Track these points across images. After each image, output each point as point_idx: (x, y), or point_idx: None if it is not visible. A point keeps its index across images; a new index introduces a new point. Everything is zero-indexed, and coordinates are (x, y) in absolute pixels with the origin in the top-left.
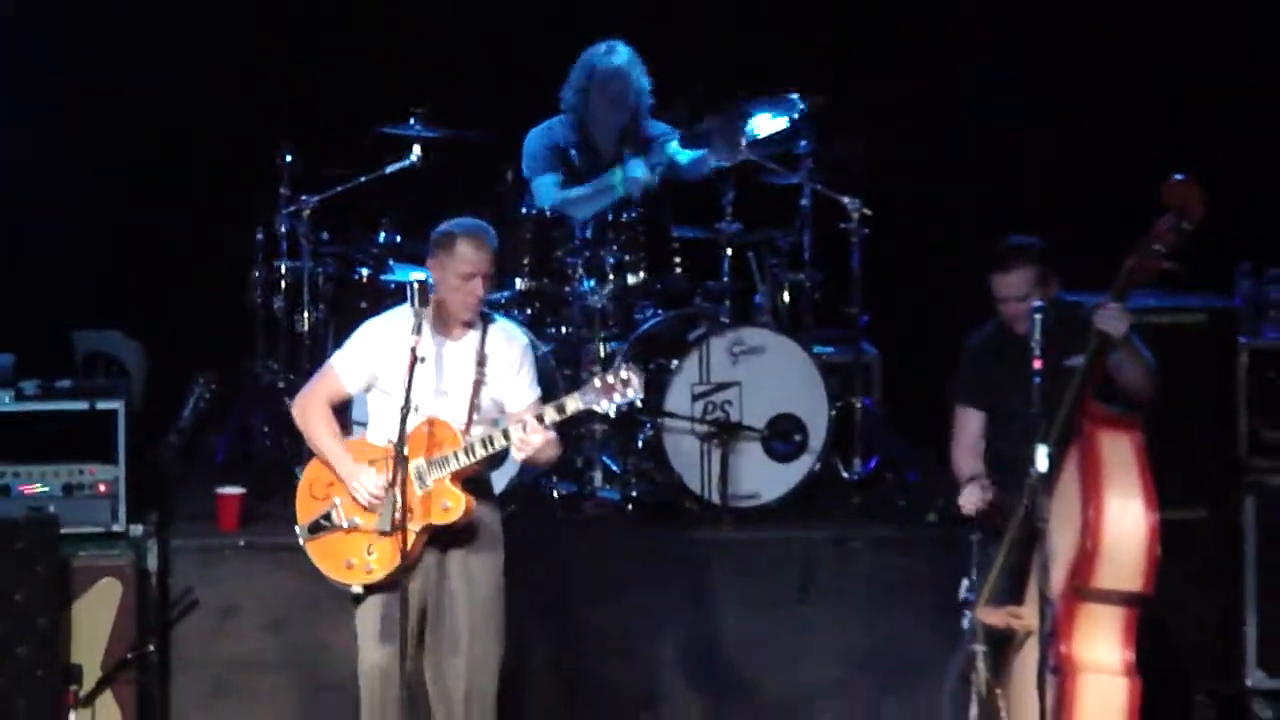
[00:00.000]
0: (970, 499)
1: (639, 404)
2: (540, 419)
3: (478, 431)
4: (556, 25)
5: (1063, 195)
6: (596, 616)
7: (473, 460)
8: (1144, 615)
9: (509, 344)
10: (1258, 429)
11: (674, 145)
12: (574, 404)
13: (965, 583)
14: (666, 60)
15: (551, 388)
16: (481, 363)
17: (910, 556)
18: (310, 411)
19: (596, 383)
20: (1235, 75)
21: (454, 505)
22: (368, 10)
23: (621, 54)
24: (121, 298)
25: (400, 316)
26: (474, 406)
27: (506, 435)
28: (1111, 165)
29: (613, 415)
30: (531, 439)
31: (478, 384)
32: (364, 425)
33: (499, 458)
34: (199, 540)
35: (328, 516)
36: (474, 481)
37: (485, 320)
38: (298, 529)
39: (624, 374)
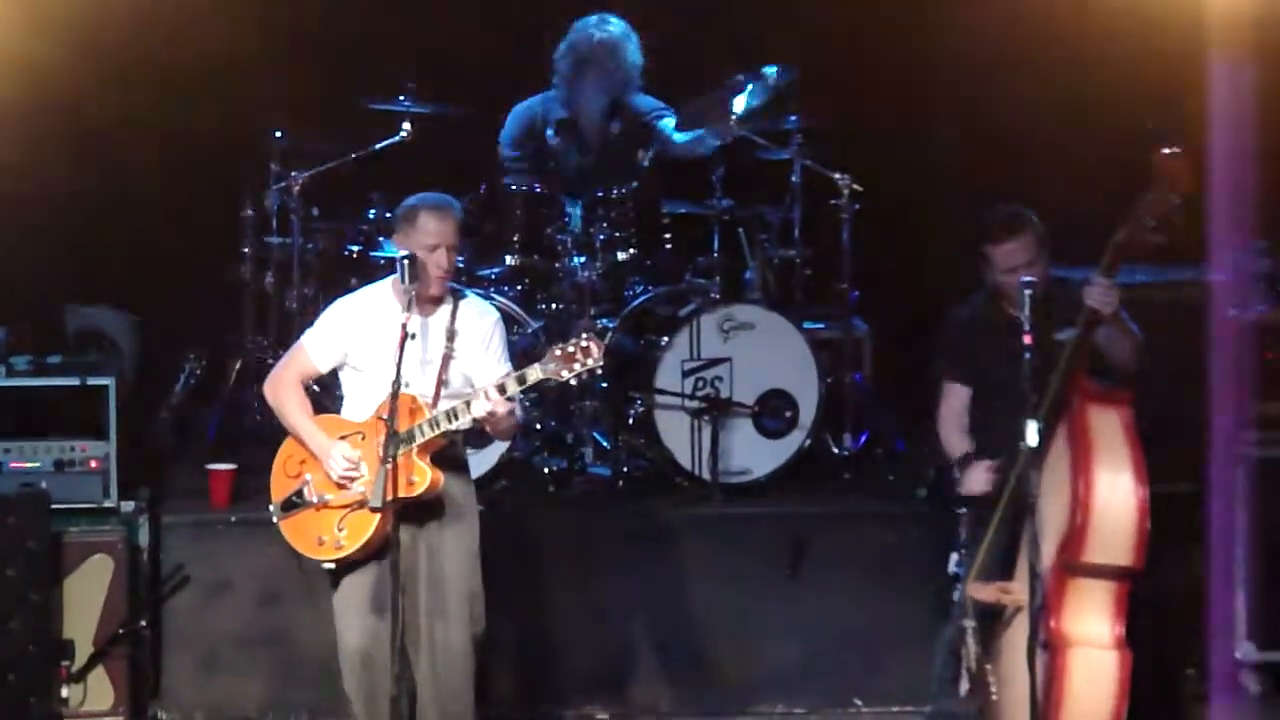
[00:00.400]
0: (978, 481)
1: (599, 372)
2: (502, 389)
3: (444, 405)
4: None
5: (1053, 171)
6: (587, 592)
7: (436, 433)
8: (1134, 589)
9: (480, 318)
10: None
11: (667, 122)
12: (534, 374)
13: (954, 557)
14: (655, 36)
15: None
16: (451, 338)
17: (900, 531)
18: (282, 391)
19: (557, 351)
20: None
21: (420, 479)
22: None
23: (614, 26)
24: (113, 274)
25: (369, 294)
26: (442, 381)
27: (470, 407)
28: (1101, 139)
29: (573, 383)
30: (496, 409)
31: (447, 359)
32: None
33: (483, 434)
34: (190, 516)
35: (299, 494)
36: (444, 456)
37: (456, 295)
38: (271, 507)
39: (584, 342)
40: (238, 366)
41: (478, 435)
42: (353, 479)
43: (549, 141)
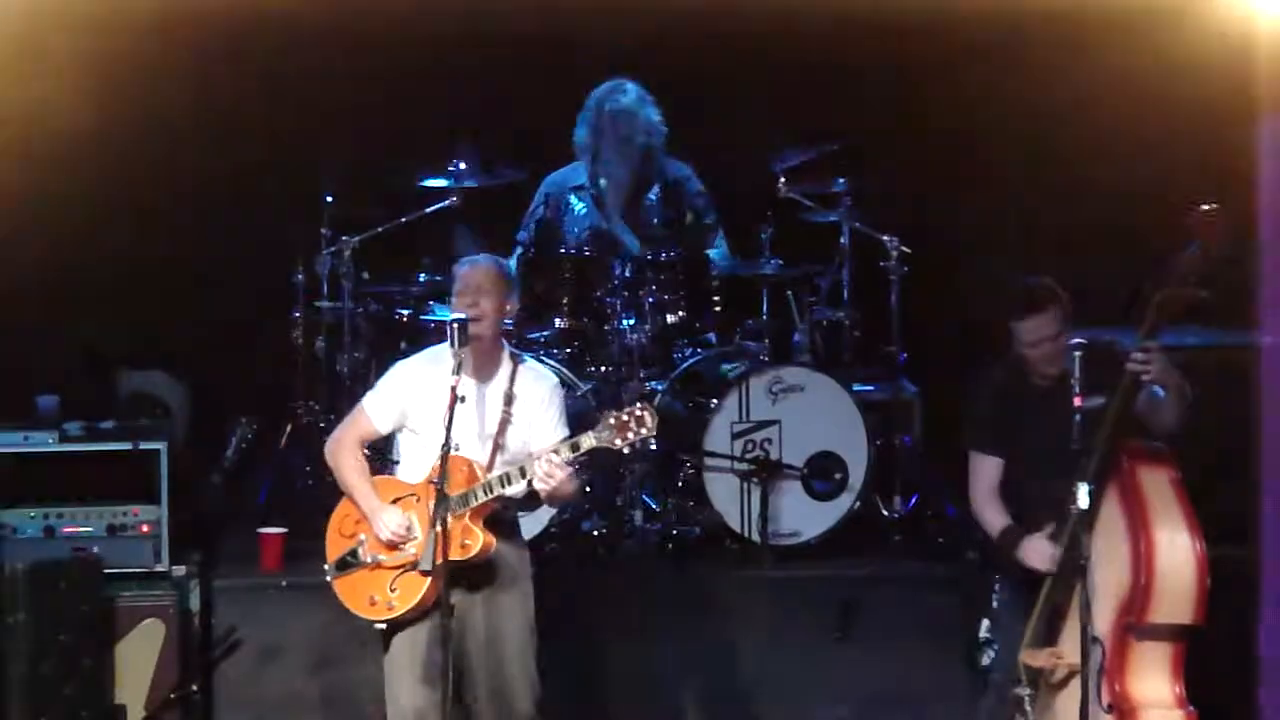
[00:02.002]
0: (1041, 554)
1: (653, 443)
2: (555, 456)
3: (499, 470)
4: (591, 71)
5: (1100, 229)
6: (637, 655)
7: (490, 496)
8: (1192, 648)
9: (537, 383)
10: None
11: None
12: (588, 441)
13: (985, 623)
14: (690, 107)
15: (591, 427)
16: (509, 402)
17: (950, 594)
18: (341, 452)
19: (611, 420)
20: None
21: (473, 542)
22: (406, 55)
23: (630, 92)
24: (165, 338)
25: (430, 357)
26: (498, 446)
27: (524, 472)
28: (1143, 198)
29: (626, 453)
30: (552, 474)
31: (504, 423)
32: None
33: (533, 498)
34: (241, 580)
35: (354, 554)
36: (497, 520)
37: (515, 360)
38: (326, 567)
39: (639, 412)
40: (289, 430)
41: (529, 499)
42: (402, 541)
43: (569, 208)
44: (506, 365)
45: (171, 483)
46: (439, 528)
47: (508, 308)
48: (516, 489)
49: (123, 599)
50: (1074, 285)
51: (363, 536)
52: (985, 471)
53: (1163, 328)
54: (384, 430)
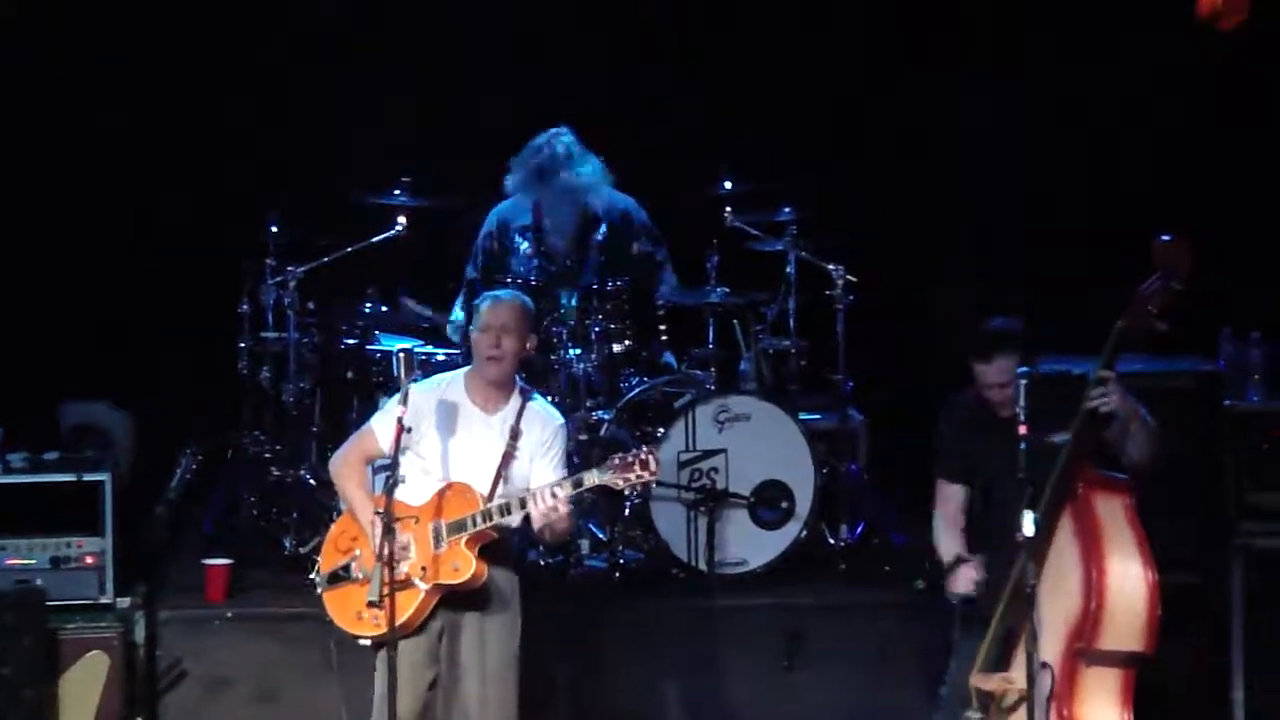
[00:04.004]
0: (965, 581)
1: (653, 487)
2: (555, 492)
3: (499, 501)
4: (535, 97)
5: (1048, 262)
6: (583, 686)
7: (487, 524)
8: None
9: (543, 423)
10: (1244, 492)
11: (667, 285)
12: (591, 479)
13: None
14: (641, 140)
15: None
16: (514, 436)
17: (896, 622)
18: (344, 467)
19: (615, 460)
20: (1224, 141)
21: (463, 567)
22: (349, 82)
23: (560, 147)
24: (108, 369)
25: (440, 383)
26: (500, 477)
27: (523, 504)
28: (1097, 230)
29: (628, 494)
30: (553, 508)
31: (507, 456)
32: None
33: (530, 532)
34: (187, 611)
35: (346, 568)
36: (493, 550)
37: (525, 396)
38: (317, 578)
39: (644, 455)
40: (234, 461)
41: (527, 533)
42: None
43: (511, 246)
44: (515, 400)
45: (116, 514)
46: (383, 563)
47: (528, 345)
48: (513, 520)
49: (66, 631)
50: (1028, 309)
51: (357, 552)
52: (946, 498)
53: (1117, 357)
54: (388, 451)
